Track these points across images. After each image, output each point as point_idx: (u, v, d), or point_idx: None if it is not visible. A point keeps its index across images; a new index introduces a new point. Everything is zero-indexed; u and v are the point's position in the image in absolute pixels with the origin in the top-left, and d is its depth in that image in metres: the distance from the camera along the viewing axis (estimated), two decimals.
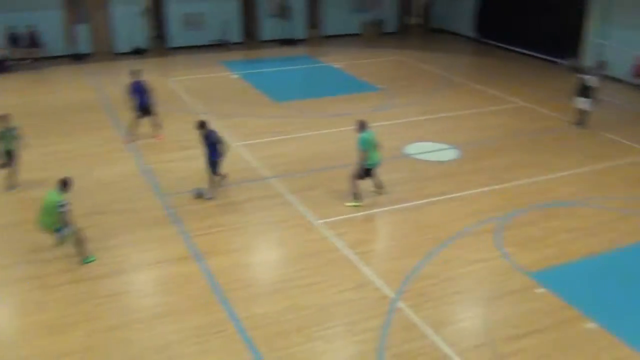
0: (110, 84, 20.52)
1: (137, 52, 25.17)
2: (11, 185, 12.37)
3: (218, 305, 8.80)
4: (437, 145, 14.79)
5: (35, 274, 9.55)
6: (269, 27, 27.46)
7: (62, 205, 9.37)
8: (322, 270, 9.67)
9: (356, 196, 11.60)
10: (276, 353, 7.85)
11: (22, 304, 8.95)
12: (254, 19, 27.59)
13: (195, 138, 14.99)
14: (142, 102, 14.86)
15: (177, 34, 26.14)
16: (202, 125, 11.79)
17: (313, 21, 28.39)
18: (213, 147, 11.74)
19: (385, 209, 11.71)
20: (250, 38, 27.70)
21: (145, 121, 15.13)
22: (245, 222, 11.21)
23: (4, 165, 12.29)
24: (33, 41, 23.34)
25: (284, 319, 8.50)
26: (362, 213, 11.49)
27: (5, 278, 9.50)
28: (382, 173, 12.11)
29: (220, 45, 26.33)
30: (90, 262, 9.79)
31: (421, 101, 18.51)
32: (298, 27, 27.71)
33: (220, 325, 8.39)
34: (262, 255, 10.49)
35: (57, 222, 9.49)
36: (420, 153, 14.29)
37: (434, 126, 16.20)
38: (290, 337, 8.15)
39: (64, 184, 9.54)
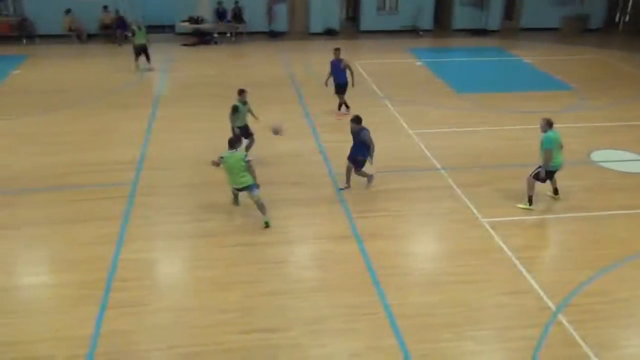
0: (300, 62, 21.50)
1: (329, 33, 25.96)
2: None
3: (372, 288, 8.88)
4: (630, 155, 13.50)
5: (210, 233, 10.33)
6: (461, 16, 26.83)
7: (246, 156, 10.23)
8: (481, 269, 9.35)
9: (530, 198, 10.99)
10: (422, 345, 7.75)
11: (195, 258, 9.73)
12: (447, 6, 27.11)
13: (372, 120, 15.25)
14: (339, 80, 15.44)
15: (369, 18, 26.53)
16: (357, 120, 11.30)
17: (509, 12, 27.19)
18: (362, 145, 11.29)
19: (560, 215, 10.98)
20: (441, 26, 27.28)
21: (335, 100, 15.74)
22: (410, 210, 11.15)
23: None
24: (237, 17, 25.05)
25: (435, 313, 8.36)
26: (533, 217, 10.88)
27: (184, 232, 10.40)
28: (563, 178, 11.35)
29: (410, 32, 26.26)
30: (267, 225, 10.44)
31: (618, 106, 16.98)
32: (493, 18, 26.74)
33: (371, 307, 8.47)
34: (422, 245, 10.40)
35: (250, 178, 10.25)
36: (608, 161, 13.14)
37: (628, 134, 14.79)
38: (440, 332, 8.00)
39: (233, 143, 10.26)
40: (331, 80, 15.69)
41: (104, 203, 11.24)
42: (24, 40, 23.93)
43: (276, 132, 11.87)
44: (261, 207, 10.49)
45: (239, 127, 12.56)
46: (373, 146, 11.28)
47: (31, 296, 8.89)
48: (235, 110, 12.39)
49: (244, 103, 12.58)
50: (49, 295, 8.86)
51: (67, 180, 12.18)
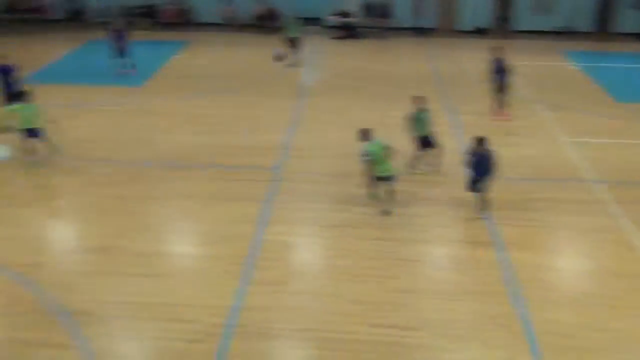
0: (445, 60, 21.07)
1: (478, 32, 25.20)
2: (435, 169, 12.20)
3: (507, 298, 8.56)
4: None
5: (348, 223, 10.46)
6: (627, 18, 24.89)
7: (385, 144, 10.42)
8: (635, 295, 8.66)
9: None
10: None
11: (333, 247, 9.89)
12: (610, 7, 25.30)
13: (521, 125, 14.71)
14: (501, 80, 15.07)
15: (522, 17, 25.43)
16: (484, 142, 10.25)
17: None
18: (483, 167, 10.31)
19: None
20: (602, 28, 25.51)
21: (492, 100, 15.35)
22: (558, 223, 10.57)
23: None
24: (385, 12, 25.04)
25: (578, 335, 7.88)
26: None
27: (323, 220, 10.60)
28: None
29: (565, 33, 24.86)
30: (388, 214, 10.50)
31: None
32: None
33: (505, 318, 8.17)
34: (569, 262, 9.80)
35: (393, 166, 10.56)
36: None
37: None
38: (583, 356, 7.53)
39: (365, 134, 10.47)
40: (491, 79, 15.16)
41: (250, 184, 11.73)
42: (185, 27, 25.47)
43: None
44: (393, 196, 10.65)
45: (419, 137, 11.91)
46: (497, 167, 10.34)
47: (180, 264, 9.51)
48: (412, 119, 11.79)
49: (423, 110, 11.82)
50: (195, 265, 9.44)
51: (219, 160, 12.85)
